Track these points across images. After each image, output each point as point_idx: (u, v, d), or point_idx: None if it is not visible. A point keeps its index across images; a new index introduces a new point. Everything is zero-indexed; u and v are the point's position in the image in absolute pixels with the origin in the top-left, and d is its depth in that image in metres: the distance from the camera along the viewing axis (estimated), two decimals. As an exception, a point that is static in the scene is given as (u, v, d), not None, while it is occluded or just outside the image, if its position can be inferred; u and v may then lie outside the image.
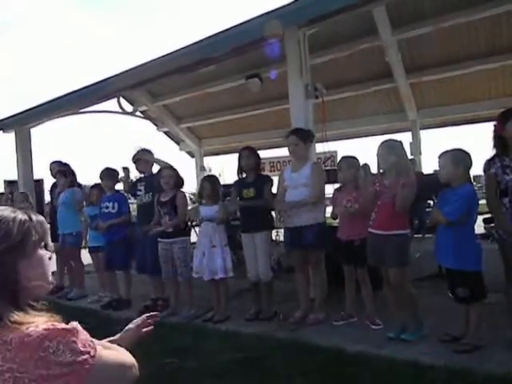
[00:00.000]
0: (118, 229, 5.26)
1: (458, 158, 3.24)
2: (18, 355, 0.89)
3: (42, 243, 1.08)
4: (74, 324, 0.97)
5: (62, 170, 6.16)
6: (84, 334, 0.97)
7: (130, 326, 1.38)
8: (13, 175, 8.05)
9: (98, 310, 5.21)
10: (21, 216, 1.04)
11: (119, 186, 5.59)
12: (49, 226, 5.93)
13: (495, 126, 3.43)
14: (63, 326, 0.95)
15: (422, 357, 3.12)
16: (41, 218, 1.10)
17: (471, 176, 3.41)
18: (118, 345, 1.17)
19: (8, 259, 0.97)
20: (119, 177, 5.51)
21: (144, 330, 1.40)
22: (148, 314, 1.43)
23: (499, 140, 3.38)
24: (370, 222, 3.63)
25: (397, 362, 3.07)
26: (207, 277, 4.40)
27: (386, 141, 3.68)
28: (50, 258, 1.11)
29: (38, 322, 0.94)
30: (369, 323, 3.89)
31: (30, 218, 1.05)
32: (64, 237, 5.91)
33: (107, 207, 5.32)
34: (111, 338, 1.31)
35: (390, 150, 3.55)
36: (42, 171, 7.83)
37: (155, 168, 5.26)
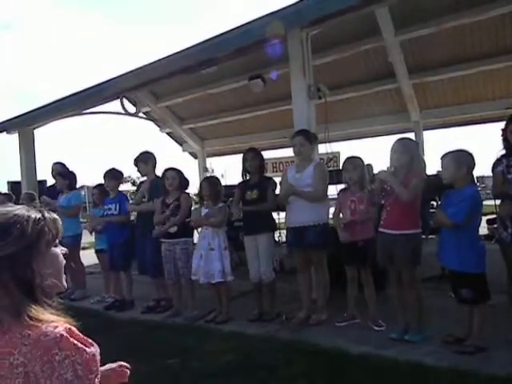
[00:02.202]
0: (119, 231, 5.27)
1: (461, 159, 3.22)
2: (31, 351, 0.90)
3: (56, 241, 1.09)
4: (94, 347, 0.95)
5: (61, 172, 6.18)
6: (95, 363, 0.95)
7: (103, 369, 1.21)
8: (16, 176, 8.11)
9: (100, 310, 5.22)
10: (35, 215, 1.04)
11: (122, 187, 5.60)
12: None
13: (502, 129, 3.47)
14: (80, 339, 0.94)
15: (425, 358, 3.11)
16: (54, 215, 1.10)
17: (475, 177, 3.41)
18: None
19: (23, 258, 0.98)
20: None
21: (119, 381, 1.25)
22: (120, 363, 1.27)
23: (506, 141, 3.42)
24: (380, 222, 3.63)
25: (400, 363, 3.06)
26: (202, 280, 4.38)
27: (401, 139, 3.66)
28: (64, 255, 1.12)
29: (57, 322, 0.94)
30: (371, 324, 3.87)
31: (44, 216, 1.06)
32: (62, 239, 5.91)
33: (110, 209, 5.35)
34: None
35: (404, 149, 3.54)
36: (45, 172, 7.86)
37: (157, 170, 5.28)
